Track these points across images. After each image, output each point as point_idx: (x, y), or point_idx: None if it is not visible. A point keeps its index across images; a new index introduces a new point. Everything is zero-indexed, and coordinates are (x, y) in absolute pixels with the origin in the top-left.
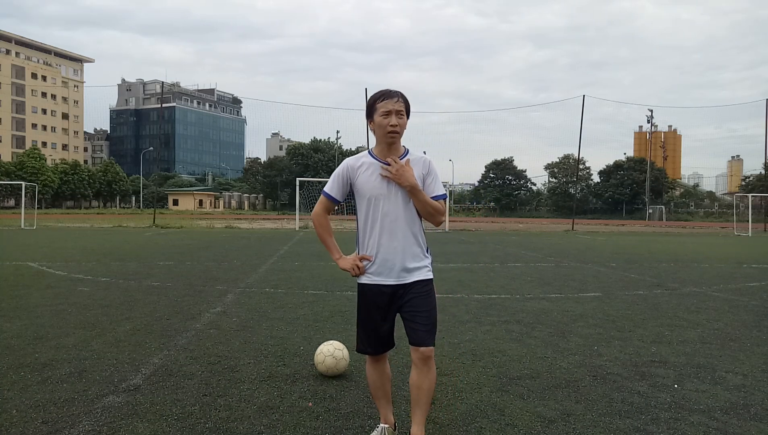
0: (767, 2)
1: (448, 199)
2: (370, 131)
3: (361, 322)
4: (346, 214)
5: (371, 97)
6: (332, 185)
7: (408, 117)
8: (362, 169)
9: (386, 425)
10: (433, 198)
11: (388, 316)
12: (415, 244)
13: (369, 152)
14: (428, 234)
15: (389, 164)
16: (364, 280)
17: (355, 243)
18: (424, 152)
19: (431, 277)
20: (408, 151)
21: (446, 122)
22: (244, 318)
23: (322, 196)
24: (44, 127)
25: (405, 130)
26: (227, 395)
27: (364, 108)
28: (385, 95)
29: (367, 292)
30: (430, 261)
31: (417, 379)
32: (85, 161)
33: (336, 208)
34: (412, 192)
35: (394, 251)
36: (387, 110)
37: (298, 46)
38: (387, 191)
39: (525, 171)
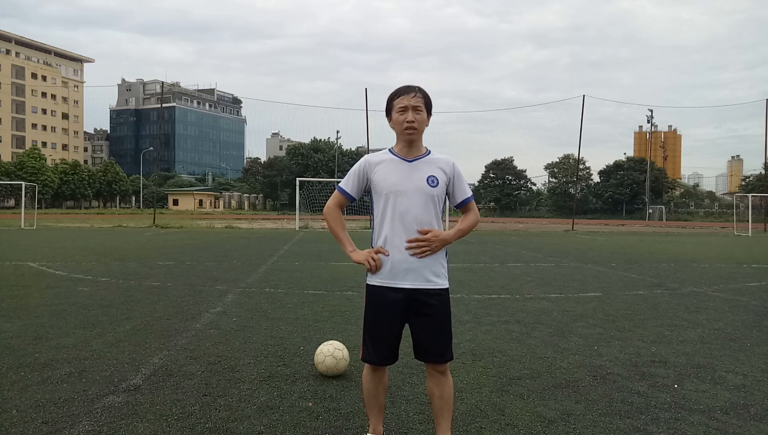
0: (767, 2)
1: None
2: (390, 129)
3: (368, 328)
4: (349, 213)
5: (389, 94)
6: (348, 181)
7: (430, 113)
8: (381, 165)
9: None
10: (462, 202)
11: (397, 324)
12: None
13: (389, 150)
14: None
15: (407, 161)
16: (374, 281)
17: (370, 244)
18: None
19: (447, 285)
20: (429, 151)
21: (446, 122)
22: (244, 318)
23: (336, 192)
24: (44, 127)
25: (426, 126)
26: (227, 395)
27: (364, 108)
28: (401, 91)
29: (376, 295)
30: (447, 268)
31: (436, 388)
32: (85, 161)
33: (349, 204)
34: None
35: (410, 252)
36: (403, 106)
37: (298, 46)
38: (405, 188)
39: (525, 171)
